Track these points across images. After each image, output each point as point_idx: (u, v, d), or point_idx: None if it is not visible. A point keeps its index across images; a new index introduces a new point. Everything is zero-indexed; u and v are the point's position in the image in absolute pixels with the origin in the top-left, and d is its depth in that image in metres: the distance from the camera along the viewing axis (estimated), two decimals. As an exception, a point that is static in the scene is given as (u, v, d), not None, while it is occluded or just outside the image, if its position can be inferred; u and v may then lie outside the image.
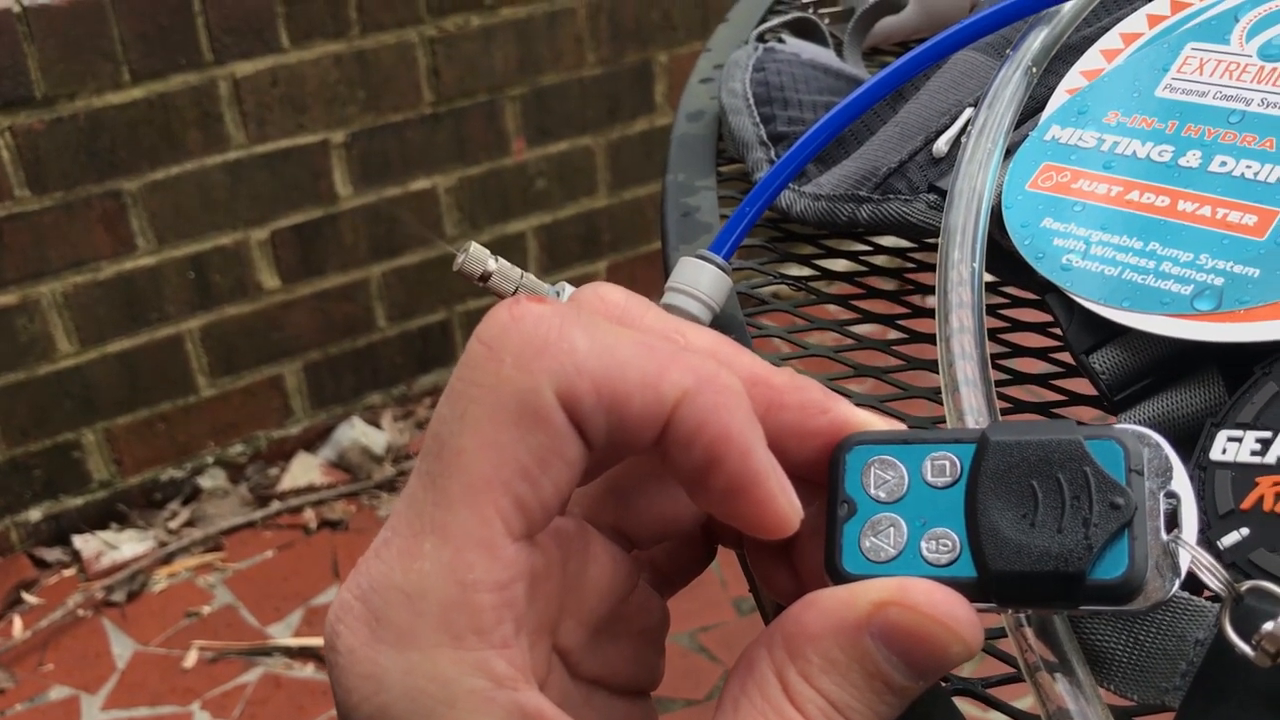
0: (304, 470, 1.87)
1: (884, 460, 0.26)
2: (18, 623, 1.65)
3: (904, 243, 0.50)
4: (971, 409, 0.32)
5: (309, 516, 1.81)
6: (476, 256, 0.46)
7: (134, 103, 1.56)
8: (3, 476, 1.69)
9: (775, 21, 0.64)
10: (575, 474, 0.24)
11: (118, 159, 1.58)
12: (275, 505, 1.81)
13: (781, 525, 0.25)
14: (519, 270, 0.46)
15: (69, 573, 1.72)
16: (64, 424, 1.70)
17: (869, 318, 0.46)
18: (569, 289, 0.47)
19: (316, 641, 1.60)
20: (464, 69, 1.78)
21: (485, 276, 0.46)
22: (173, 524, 1.79)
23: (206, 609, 1.66)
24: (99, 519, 1.78)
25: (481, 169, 1.87)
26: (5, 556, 1.74)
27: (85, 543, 1.75)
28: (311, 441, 1.91)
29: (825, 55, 0.60)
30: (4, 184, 1.53)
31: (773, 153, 0.53)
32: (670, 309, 0.43)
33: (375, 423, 1.94)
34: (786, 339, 0.46)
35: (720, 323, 0.44)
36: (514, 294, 0.46)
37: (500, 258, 0.46)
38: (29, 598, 1.69)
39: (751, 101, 0.54)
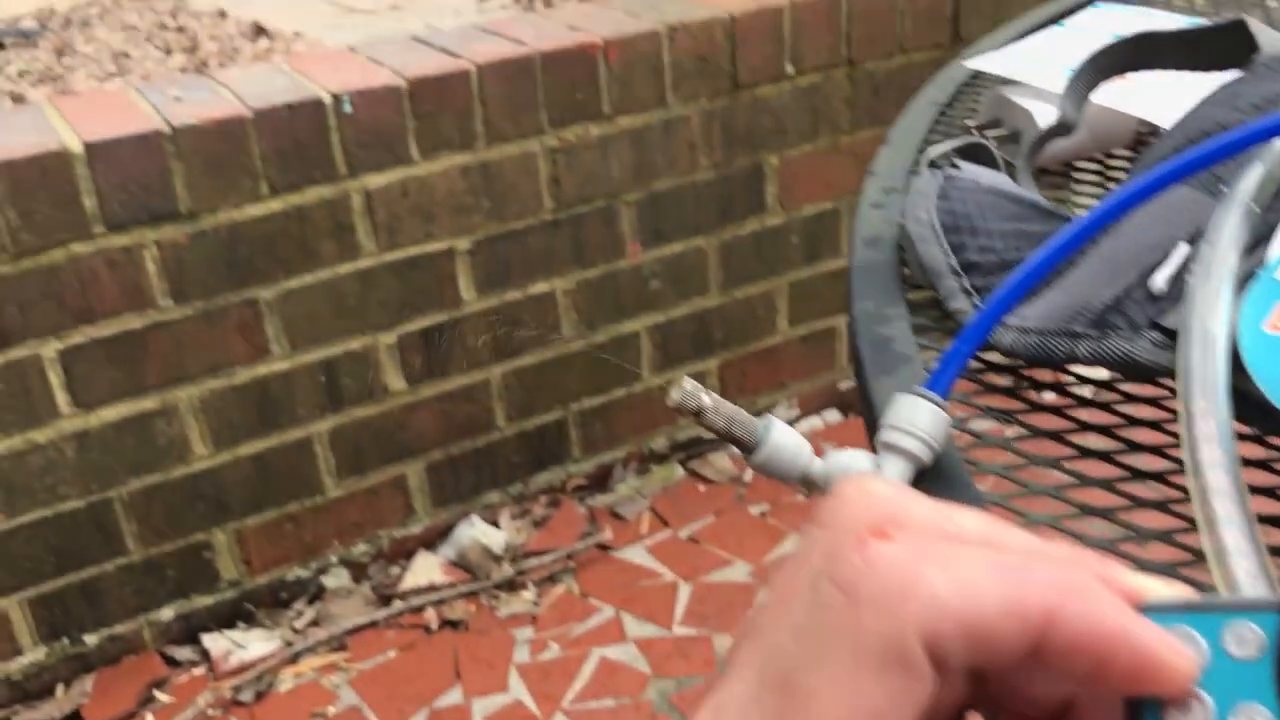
0: (425, 569, 1.89)
1: (1180, 631, 0.26)
2: (150, 721, 1.68)
3: (1106, 373, 0.50)
4: (1247, 577, 0.31)
5: (430, 616, 1.82)
6: (690, 392, 0.47)
7: (272, 215, 1.63)
8: (138, 576, 1.73)
9: (946, 146, 0.65)
10: (925, 707, 0.24)
11: (255, 269, 1.64)
12: (397, 605, 1.83)
13: (1183, 681, 0.25)
14: (731, 405, 0.47)
15: (199, 671, 1.75)
16: (197, 524, 1.74)
17: (1084, 453, 0.46)
18: (775, 423, 0.48)
19: (440, 744, 1.60)
20: (583, 177, 1.83)
21: (698, 412, 0.47)
22: (298, 623, 1.82)
23: (331, 709, 1.67)
24: (227, 618, 1.81)
25: (598, 271, 1.91)
26: (138, 654, 1.77)
27: (214, 641, 1.78)
28: (432, 540, 1.94)
29: (1002, 180, 0.61)
30: (149, 294, 1.59)
31: (965, 281, 0.53)
32: (891, 448, 0.44)
33: (493, 521, 1.96)
34: (1005, 476, 0.46)
35: (938, 461, 0.45)
36: (726, 429, 0.47)
37: (712, 393, 0.47)
38: (161, 696, 1.72)
39: (939, 230, 0.55)
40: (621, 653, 1.73)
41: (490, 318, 1.83)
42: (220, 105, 1.59)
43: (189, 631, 1.80)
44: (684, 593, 1.83)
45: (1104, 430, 0.46)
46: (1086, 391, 0.50)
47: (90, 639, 1.73)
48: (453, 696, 1.68)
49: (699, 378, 2.09)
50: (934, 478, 0.44)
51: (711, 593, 1.82)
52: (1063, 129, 0.64)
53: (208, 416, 1.69)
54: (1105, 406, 0.48)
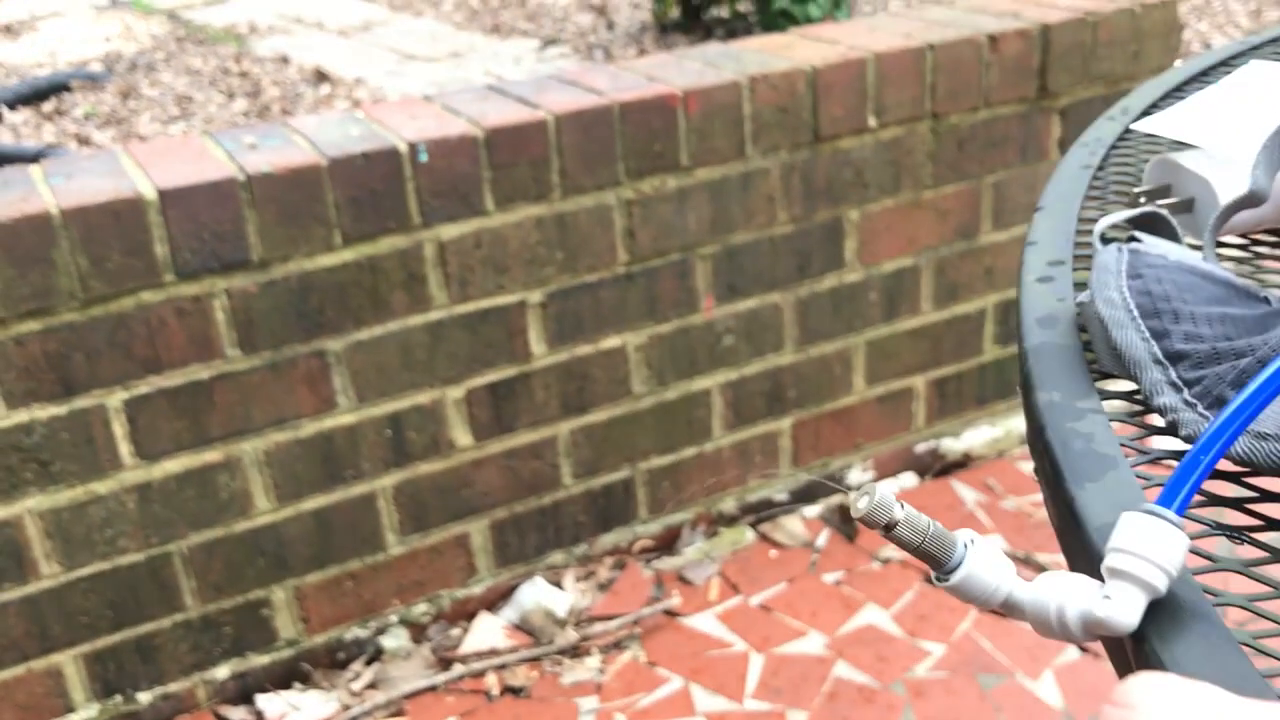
0: (486, 631, 1.83)
1: None
2: (202, 785, 1.62)
3: (1350, 484, 0.43)
4: None
5: (491, 681, 1.76)
6: (883, 504, 0.41)
7: (344, 265, 1.59)
8: (195, 633, 1.68)
9: (1119, 217, 0.59)
10: None
11: (325, 319, 1.60)
12: (458, 669, 1.77)
13: None
14: (926, 519, 0.41)
15: (253, 733, 1.70)
16: (256, 581, 1.70)
17: (1343, 583, 0.39)
18: (977, 542, 0.42)
19: (502, 819, 1.53)
20: (658, 229, 1.78)
21: (890, 525, 0.41)
22: (355, 685, 1.76)
23: (389, 778, 1.61)
24: (283, 678, 1.76)
25: (671, 326, 1.86)
26: (192, 714, 1.72)
27: (269, 702, 1.73)
28: (494, 601, 1.88)
29: (1193, 257, 0.54)
30: (217, 344, 1.56)
31: (1173, 373, 0.47)
32: (1123, 576, 0.37)
33: (557, 583, 1.89)
34: (1250, 609, 0.39)
35: (1173, 588, 0.38)
36: (920, 545, 0.41)
37: (907, 504, 0.41)
38: (214, 758, 1.66)
39: (1136, 314, 0.49)
40: (691, 726, 1.65)
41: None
42: (295, 153, 1.56)
43: (244, 691, 1.74)
44: (755, 664, 1.75)
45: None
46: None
47: (144, 697, 1.68)
48: (515, 768, 1.61)
49: (771, 438, 2.02)
50: (1170, 611, 0.38)
51: (785, 665, 1.75)
52: (1254, 200, 0.57)
53: (271, 470, 1.65)
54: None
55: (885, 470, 2.13)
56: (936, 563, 0.41)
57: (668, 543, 1.99)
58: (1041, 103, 2.01)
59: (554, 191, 1.68)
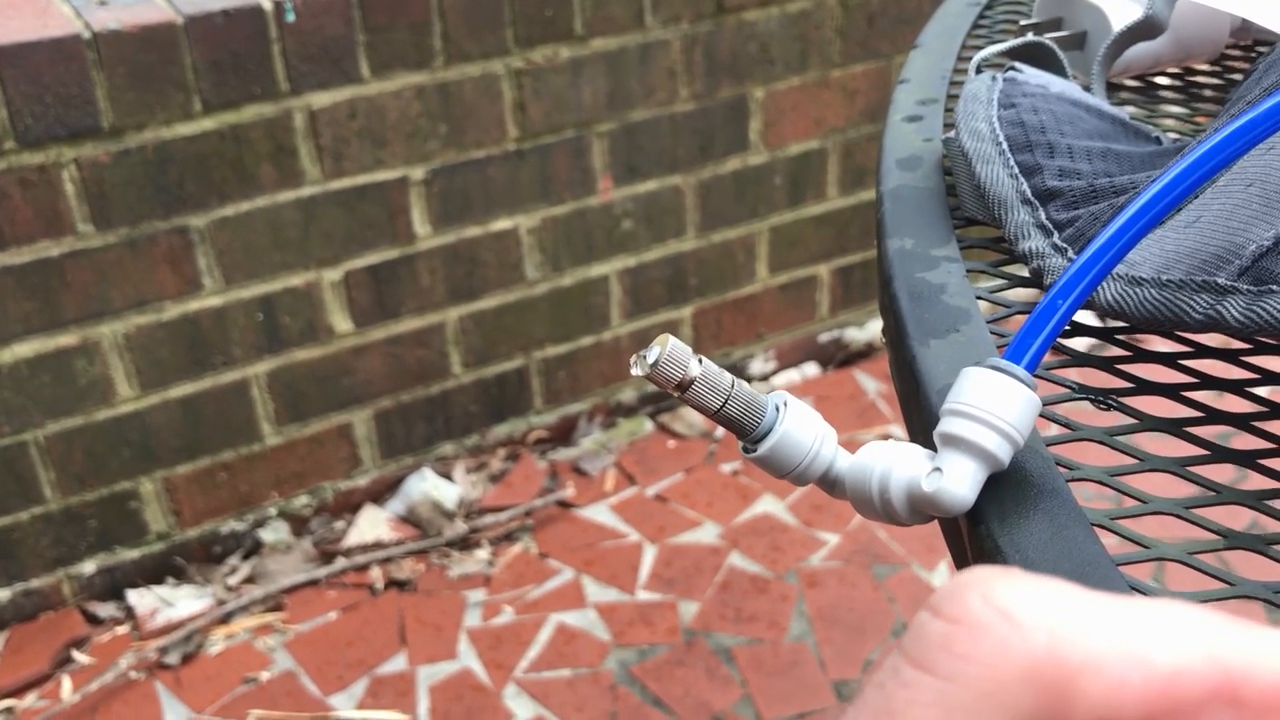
0: (371, 524, 1.76)
1: None
2: (67, 684, 1.54)
3: (1234, 341, 0.37)
4: None
5: (375, 575, 1.69)
6: (675, 358, 0.33)
7: (205, 134, 1.47)
8: (57, 526, 1.59)
9: (999, 48, 0.51)
10: None
11: (186, 193, 1.49)
12: (340, 562, 1.70)
13: None
14: (729, 376, 0.34)
15: (122, 630, 1.62)
16: (121, 472, 1.60)
17: (1217, 454, 0.33)
18: (793, 403, 0.35)
19: (380, 715, 1.48)
20: (551, 103, 1.68)
21: (685, 384, 0.33)
22: (232, 580, 1.69)
23: (265, 675, 1.55)
24: (155, 573, 1.68)
25: (566, 209, 1.76)
26: (57, 611, 1.64)
27: (140, 598, 1.65)
28: (380, 494, 1.80)
29: (1076, 90, 0.47)
30: (67, 219, 1.44)
31: (1043, 214, 0.40)
32: (956, 443, 0.31)
33: (447, 475, 1.83)
34: (1110, 485, 0.33)
35: (1019, 459, 0.32)
36: (720, 409, 0.34)
37: (705, 359, 0.34)
38: (79, 656, 1.59)
39: (1005, 146, 0.42)
40: (580, 619, 1.61)
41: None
42: (149, 10, 1.43)
43: (113, 587, 1.66)
44: (649, 555, 1.71)
45: (1244, 421, 0.33)
46: (1206, 364, 0.37)
47: (3, 593, 1.59)
48: (397, 663, 1.56)
49: (671, 327, 1.95)
50: (1014, 486, 0.31)
51: (679, 555, 1.70)
52: (1150, 28, 0.50)
53: (133, 355, 1.54)
54: (1241, 387, 0.35)
55: (787, 360, 2.08)
56: (742, 429, 0.34)
57: (564, 434, 1.93)
58: (956, -22, 1.92)
59: (436, 58, 1.57)
